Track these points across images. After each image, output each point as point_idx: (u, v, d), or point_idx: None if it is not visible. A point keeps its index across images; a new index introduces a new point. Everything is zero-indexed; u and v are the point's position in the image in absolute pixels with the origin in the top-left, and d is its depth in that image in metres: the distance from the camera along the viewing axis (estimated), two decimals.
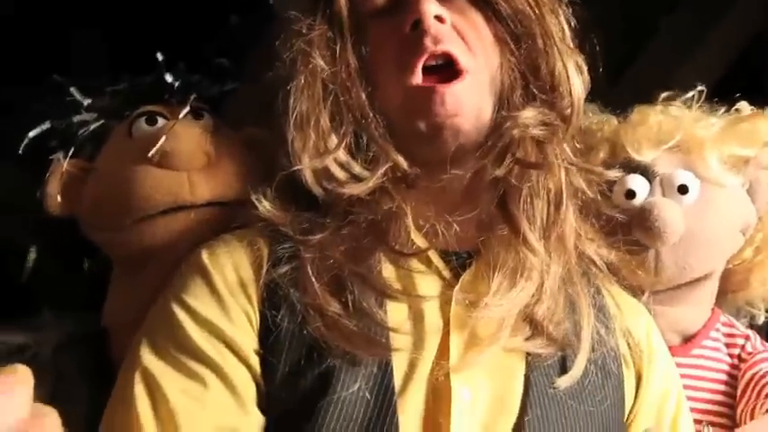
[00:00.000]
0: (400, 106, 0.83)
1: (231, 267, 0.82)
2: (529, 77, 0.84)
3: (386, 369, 0.78)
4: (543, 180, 0.84)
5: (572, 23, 0.89)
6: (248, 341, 0.79)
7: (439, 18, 0.82)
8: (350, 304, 0.79)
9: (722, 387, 1.13)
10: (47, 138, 1.06)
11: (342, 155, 0.84)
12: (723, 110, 1.16)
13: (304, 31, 0.85)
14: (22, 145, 1.05)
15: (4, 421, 0.38)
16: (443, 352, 0.81)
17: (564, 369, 0.84)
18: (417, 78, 0.81)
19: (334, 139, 0.84)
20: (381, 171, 0.83)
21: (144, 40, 1.15)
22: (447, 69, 0.82)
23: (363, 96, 0.84)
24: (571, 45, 0.88)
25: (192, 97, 1.06)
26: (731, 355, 1.16)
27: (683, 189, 1.06)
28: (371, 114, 0.84)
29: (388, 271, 0.84)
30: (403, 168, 0.83)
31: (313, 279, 0.79)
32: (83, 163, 1.05)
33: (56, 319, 1.07)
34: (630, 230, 1.02)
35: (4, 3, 1.76)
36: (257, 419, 0.78)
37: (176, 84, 1.07)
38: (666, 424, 0.93)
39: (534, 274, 0.82)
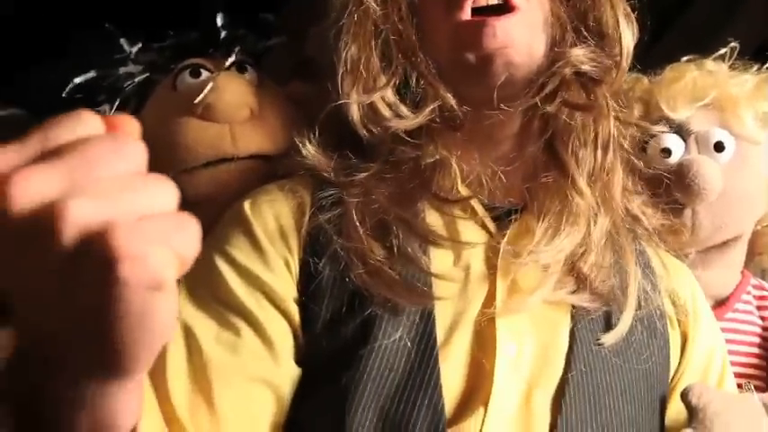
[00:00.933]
0: (450, 41, 0.82)
1: (272, 217, 0.82)
2: (579, 25, 0.83)
3: (428, 318, 0.78)
4: (592, 124, 0.84)
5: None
6: (288, 290, 0.79)
7: None
8: (394, 249, 0.78)
9: (756, 350, 1.13)
10: (92, 89, 1.06)
11: (390, 94, 0.83)
12: (756, 67, 1.14)
13: None
14: (66, 90, 1.05)
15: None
16: (489, 302, 0.80)
17: (609, 325, 0.84)
18: (466, 14, 0.81)
19: (383, 78, 0.83)
20: (429, 109, 0.82)
21: None
22: (498, 10, 0.81)
23: (414, 37, 0.84)
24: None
25: (237, 50, 1.06)
26: (763, 318, 1.16)
27: (719, 146, 1.06)
28: (421, 54, 0.84)
29: (432, 217, 0.83)
30: (451, 106, 0.82)
31: (357, 223, 0.79)
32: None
33: None
34: (667, 190, 1.02)
35: None
36: (291, 372, 0.78)
37: (222, 35, 1.07)
38: (712, 385, 0.92)
39: (581, 220, 0.81)
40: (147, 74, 1.07)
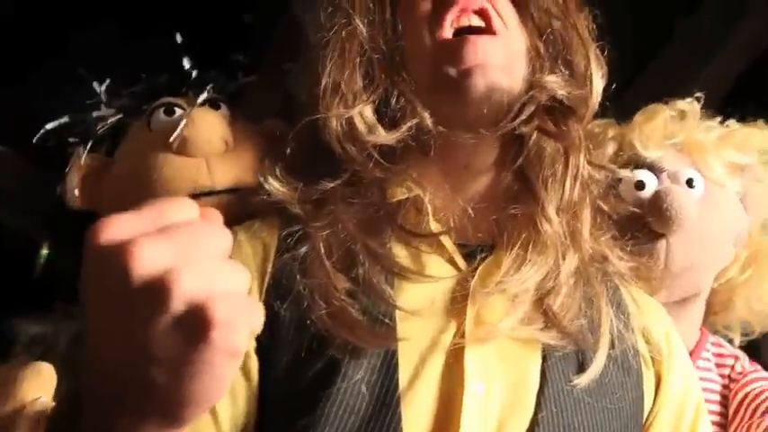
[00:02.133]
0: (432, 58, 0.83)
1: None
2: (554, 60, 0.85)
3: (391, 360, 0.76)
4: (563, 156, 0.84)
5: (593, 23, 0.90)
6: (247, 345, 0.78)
7: None
8: (360, 280, 0.78)
9: (716, 407, 1.14)
10: (64, 132, 1.08)
11: (369, 112, 0.84)
12: (719, 118, 1.17)
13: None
14: (37, 136, 1.07)
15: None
16: (456, 342, 0.79)
17: (582, 365, 0.82)
18: (448, 33, 0.83)
19: (363, 95, 0.84)
20: (406, 126, 0.82)
21: (160, 37, 1.16)
22: (479, 32, 0.83)
23: (397, 57, 0.85)
24: (593, 40, 0.89)
25: (210, 87, 1.07)
26: (722, 376, 1.17)
27: (690, 183, 1.08)
28: (404, 74, 0.85)
29: (398, 249, 0.83)
30: (427, 126, 0.82)
31: (323, 256, 0.79)
32: (101, 157, 1.06)
33: (69, 311, 1.07)
34: (640, 226, 1.03)
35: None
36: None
37: (193, 73, 1.09)
38: (687, 425, 0.90)
39: (549, 250, 0.81)
40: (120, 116, 1.08)
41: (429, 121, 0.82)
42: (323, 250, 0.79)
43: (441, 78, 0.82)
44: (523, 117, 0.82)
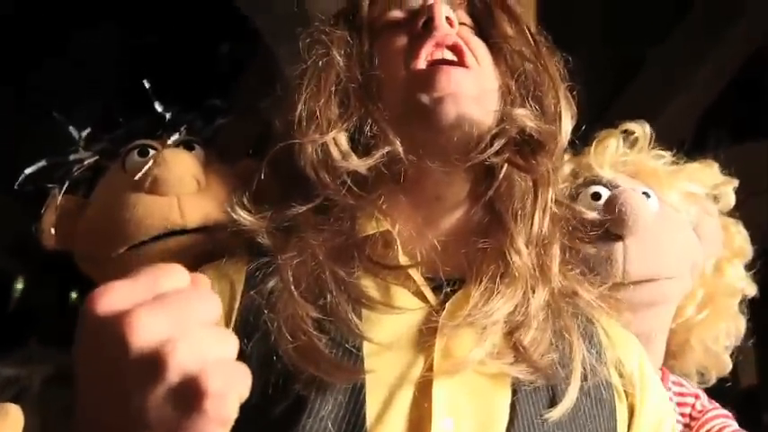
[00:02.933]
0: (406, 87, 0.85)
1: None
2: (525, 98, 0.86)
3: (358, 395, 0.76)
4: (533, 190, 0.85)
5: (564, 67, 0.92)
6: None
7: (449, 21, 0.86)
8: (327, 310, 0.78)
9: None
10: (43, 175, 1.09)
11: (343, 140, 0.84)
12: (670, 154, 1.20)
13: (327, 30, 0.89)
14: (18, 182, 1.08)
15: None
16: (424, 376, 0.78)
17: (554, 399, 0.81)
18: (422, 64, 0.84)
19: (338, 123, 0.84)
20: (378, 154, 0.83)
21: (136, 76, 1.17)
22: (452, 63, 0.85)
23: (373, 87, 0.86)
24: (563, 81, 0.90)
25: (183, 128, 1.08)
26: (683, 414, 1.18)
27: (645, 194, 1.09)
28: (379, 103, 0.85)
29: (367, 280, 0.83)
30: (398, 153, 0.82)
31: (291, 286, 0.79)
32: (77, 198, 1.06)
33: (43, 351, 1.06)
34: (598, 232, 1.02)
35: None
36: None
37: (167, 115, 1.10)
38: None
39: (518, 283, 0.81)
40: (96, 158, 1.09)
41: (401, 149, 0.82)
42: (291, 280, 0.79)
43: (413, 106, 0.83)
44: (494, 149, 0.82)
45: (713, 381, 1.23)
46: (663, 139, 1.19)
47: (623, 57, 2.20)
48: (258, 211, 0.86)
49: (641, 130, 1.18)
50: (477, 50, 0.87)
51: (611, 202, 1.04)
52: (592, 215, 0.96)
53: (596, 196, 1.08)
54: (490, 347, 0.79)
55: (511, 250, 0.82)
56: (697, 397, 1.18)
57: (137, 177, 0.99)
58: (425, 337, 0.81)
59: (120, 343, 0.45)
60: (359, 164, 0.82)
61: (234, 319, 0.81)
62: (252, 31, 1.97)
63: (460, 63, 0.84)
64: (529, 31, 0.91)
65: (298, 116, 0.84)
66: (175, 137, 1.06)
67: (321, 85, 0.85)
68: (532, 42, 0.90)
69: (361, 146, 0.84)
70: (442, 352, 0.79)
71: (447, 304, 0.82)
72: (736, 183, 1.22)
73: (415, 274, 0.84)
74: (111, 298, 0.47)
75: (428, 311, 0.82)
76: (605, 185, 1.09)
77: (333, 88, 0.85)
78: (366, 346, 0.78)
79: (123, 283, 0.48)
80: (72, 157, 1.08)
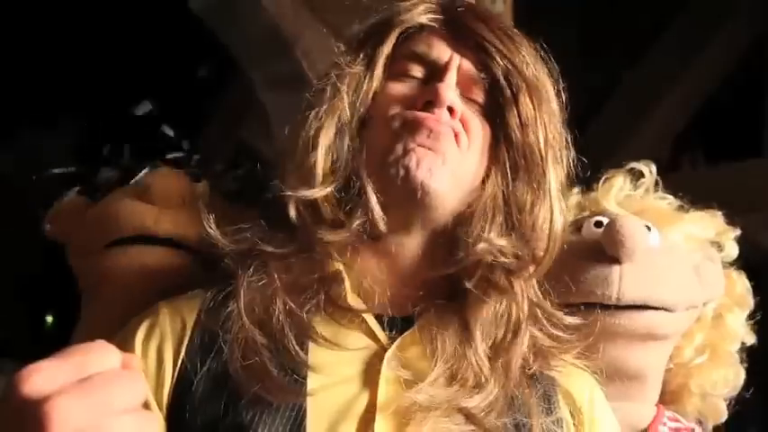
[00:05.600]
0: (383, 153, 0.82)
1: (155, 346, 0.82)
2: (513, 208, 0.83)
3: (300, 423, 0.76)
4: (506, 307, 0.83)
5: (571, 168, 0.90)
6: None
7: (450, 110, 0.82)
8: (275, 335, 0.78)
9: None
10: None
11: (330, 194, 0.83)
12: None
13: (343, 66, 0.87)
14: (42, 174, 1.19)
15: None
16: (368, 411, 0.78)
17: None
18: (399, 149, 0.81)
19: (329, 177, 0.83)
20: (358, 222, 0.81)
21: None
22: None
23: (364, 148, 0.85)
24: (562, 192, 0.88)
25: (195, 159, 1.20)
26: None
27: (647, 227, 1.09)
28: (365, 158, 0.83)
29: (318, 315, 0.82)
30: (376, 225, 0.81)
31: (242, 311, 0.79)
32: (87, 200, 1.13)
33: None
34: (597, 256, 1.04)
35: None
36: None
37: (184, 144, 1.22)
38: None
39: (469, 384, 0.80)
40: (118, 174, 1.16)
41: (380, 223, 0.81)
42: (243, 305, 0.80)
43: (386, 172, 0.82)
44: (466, 267, 0.81)
45: (709, 428, 1.22)
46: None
47: (599, 78, 2.22)
48: (227, 233, 0.85)
49: (648, 170, 1.19)
50: (474, 133, 0.84)
51: (610, 226, 1.05)
52: (569, 320, 0.90)
53: (598, 224, 1.09)
54: (438, 413, 0.77)
55: (473, 359, 0.80)
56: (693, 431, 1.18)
57: (132, 183, 1.07)
58: (371, 374, 0.80)
59: (38, 429, 0.46)
60: (337, 238, 0.81)
61: (181, 355, 0.81)
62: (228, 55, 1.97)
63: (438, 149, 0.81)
64: (549, 121, 0.85)
65: (294, 165, 0.84)
66: (179, 154, 1.19)
67: (323, 131, 0.84)
68: (549, 136, 0.85)
69: (343, 202, 0.83)
70: (387, 390, 0.79)
71: (395, 342, 0.81)
72: (738, 232, 1.22)
73: (368, 317, 0.83)
74: (37, 380, 0.48)
75: (376, 351, 0.81)
76: (609, 217, 1.10)
77: (333, 136, 0.84)
78: (311, 378, 0.78)
79: (51, 363, 0.49)
80: (102, 171, 1.17)
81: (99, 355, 0.52)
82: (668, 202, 1.18)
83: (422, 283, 0.85)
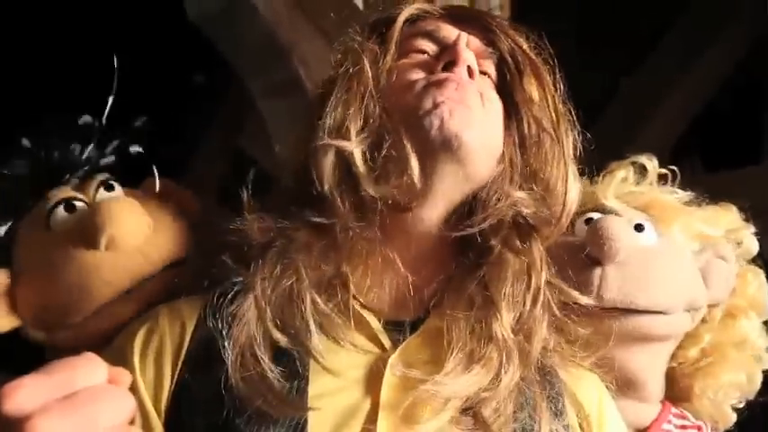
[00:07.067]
0: (407, 116, 0.83)
1: (153, 351, 0.82)
2: (528, 177, 0.85)
3: (303, 426, 0.75)
4: (526, 272, 0.83)
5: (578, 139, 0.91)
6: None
7: (470, 71, 0.85)
8: (290, 331, 0.78)
9: None
10: None
11: (365, 150, 0.83)
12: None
13: (360, 41, 0.90)
14: None
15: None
16: (369, 418, 0.77)
17: None
18: (427, 104, 0.82)
19: (361, 133, 0.83)
20: (396, 182, 0.81)
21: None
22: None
23: (388, 107, 0.85)
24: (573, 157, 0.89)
25: (104, 177, 1.06)
26: None
27: (638, 227, 1.08)
28: (399, 125, 0.83)
29: (335, 313, 0.82)
30: (413, 175, 0.80)
31: (262, 302, 0.79)
32: (2, 271, 1.01)
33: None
34: (582, 257, 1.03)
35: None
36: None
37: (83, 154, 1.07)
38: None
39: (493, 363, 0.79)
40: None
41: (416, 178, 0.80)
42: (261, 296, 0.79)
43: (413, 124, 0.82)
44: (486, 224, 0.82)
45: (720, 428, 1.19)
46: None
47: (598, 84, 2.22)
48: (261, 217, 0.84)
49: (651, 163, 1.17)
50: (491, 105, 0.86)
51: (593, 227, 1.03)
52: (585, 300, 0.92)
53: (589, 222, 1.07)
54: (448, 417, 0.77)
55: (498, 331, 0.80)
56: (699, 429, 1.16)
57: (80, 237, 0.96)
58: (374, 380, 0.80)
59: None
60: (379, 190, 0.81)
61: (182, 357, 0.80)
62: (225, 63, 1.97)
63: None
64: (554, 101, 0.89)
65: (326, 122, 0.83)
66: (98, 179, 1.04)
67: (352, 92, 0.85)
68: (554, 113, 0.88)
69: (377, 166, 0.82)
70: (390, 392, 0.78)
71: (401, 345, 0.81)
72: (753, 229, 1.20)
73: (373, 321, 0.83)
74: (20, 397, 0.48)
75: (380, 356, 0.81)
76: (604, 213, 1.09)
77: (361, 97, 0.85)
78: (312, 386, 0.77)
79: (35, 379, 0.49)
80: None
81: (85, 370, 0.51)
82: (677, 196, 1.15)
83: (438, 265, 0.85)
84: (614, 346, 0.95)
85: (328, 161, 0.82)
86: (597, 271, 1.02)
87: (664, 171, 1.18)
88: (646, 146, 1.17)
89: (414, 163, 0.80)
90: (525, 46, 0.89)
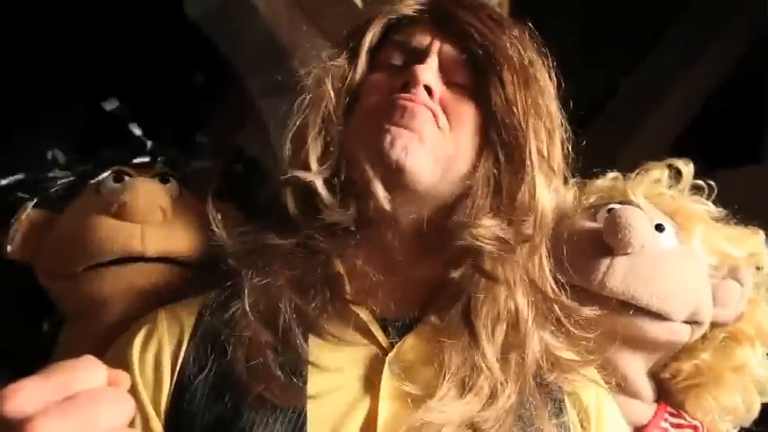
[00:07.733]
0: (367, 137, 0.83)
1: (152, 353, 0.82)
2: (500, 189, 0.82)
3: (301, 427, 0.76)
4: (505, 299, 0.82)
5: (566, 147, 0.90)
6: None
7: (428, 89, 0.83)
8: (280, 333, 0.79)
9: None
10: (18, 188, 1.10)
11: (327, 179, 0.83)
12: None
13: (326, 59, 0.89)
14: None
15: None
16: (369, 414, 0.78)
17: None
18: (373, 135, 0.82)
19: (322, 160, 0.84)
20: (355, 204, 0.81)
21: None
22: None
23: (348, 131, 0.85)
24: (555, 167, 0.87)
25: (160, 160, 1.11)
26: None
27: (659, 227, 1.07)
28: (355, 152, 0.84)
29: (323, 314, 0.82)
30: (378, 201, 0.80)
31: (248, 308, 0.80)
32: (48, 214, 1.07)
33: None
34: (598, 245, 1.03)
35: None
36: None
37: (148, 144, 1.12)
38: None
39: (484, 392, 0.79)
40: (72, 178, 1.10)
41: (382, 197, 0.80)
42: (249, 303, 0.80)
43: (369, 151, 0.82)
44: (453, 255, 0.82)
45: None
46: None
47: (597, 84, 2.22)
48: (232, 234, 0.86)
49: (686, 168, 1.16)
50: (456, 116, 0.84)
51: (611, 215, 1.03)
52: (587, 312, 0.90)
53: (611, 212, 1.07)
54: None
55: (482, 364, 0.79)
56: (696, 429, 1.16)
57: (106, 201, 1.01)
58: (372, 378, 0.81)
59: None
60: (345, 216, 0.81)
61: (182, 358, 0.81)
62: (225, 62, 1.98)
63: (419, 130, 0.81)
64: (534, 102, 0.85)
65: (285, 151, 0.85)
66: (145, 159, 1.09)
67: (311, 119, 0.85)
68: (522, 118, 0.84)
69: (338, 189, 0.83)
70: (390, 407, 0.79)
71: (397, 346, 0.82)
72: None
73: (365, 314, 0.84)
74: (20, 399, 0.49)
75: (377, 352, 0.82)
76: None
77: (322, 121, 0.85)
78: (311, 378, 0.78)
79: (35, 381, 0.50)
80: (50, 175, 1.10)
81: (85, 373, 0.52)
82: (707, 208, 1.14)
83: (422, 283, 0.85)
84: (605, 343, 0.95)
85: (290, 191, 0.84)
86: (607, 259, 1.02)
87: (700, 182, 1.17)
88: (645, 143, 1.16)
89: (376, 186, 0.80)
90: (506, 44, 0.85)
